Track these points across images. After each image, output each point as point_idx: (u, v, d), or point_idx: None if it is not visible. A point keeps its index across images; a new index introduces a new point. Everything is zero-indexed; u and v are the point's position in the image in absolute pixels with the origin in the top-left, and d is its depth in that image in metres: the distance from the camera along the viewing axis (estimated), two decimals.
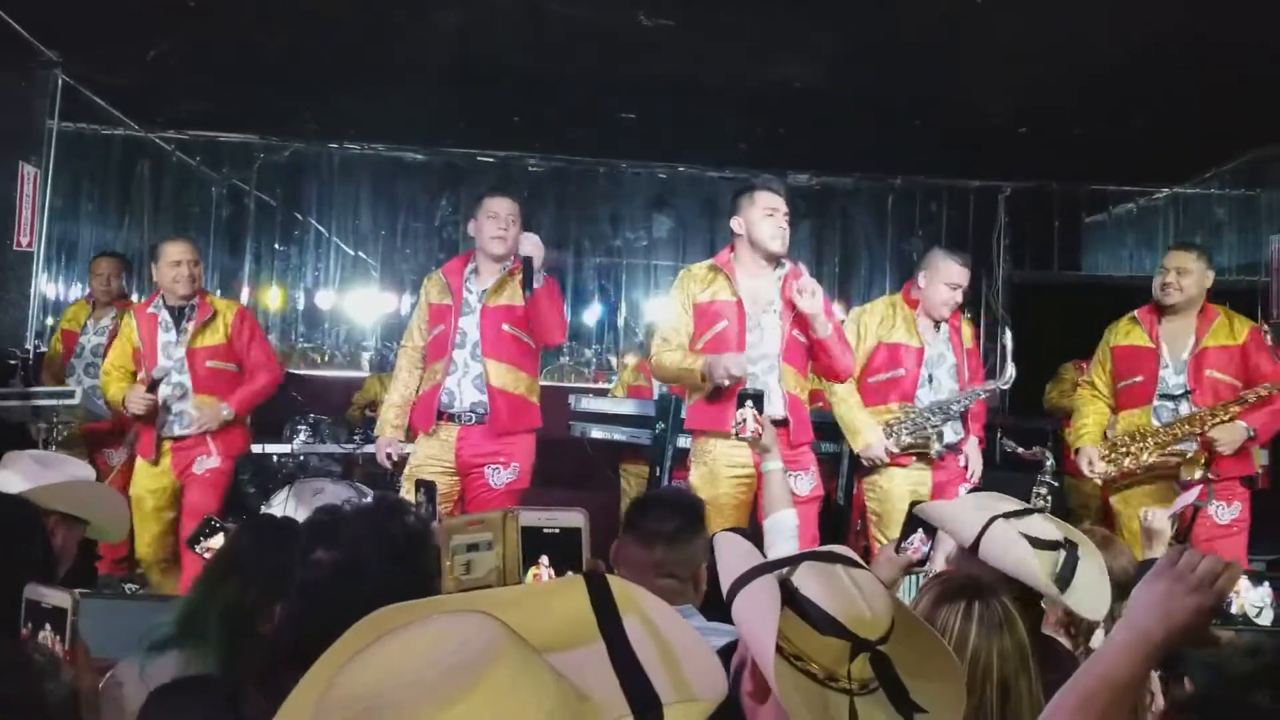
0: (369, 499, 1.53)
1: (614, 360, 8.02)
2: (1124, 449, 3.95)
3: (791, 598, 1.25)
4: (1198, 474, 3.84)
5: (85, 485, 2.13)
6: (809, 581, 1.27)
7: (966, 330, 4.22)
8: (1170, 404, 3.92)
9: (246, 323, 4.39)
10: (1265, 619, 1.65)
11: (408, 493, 3.39)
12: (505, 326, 3.72)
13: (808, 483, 3.53)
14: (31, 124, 5.52)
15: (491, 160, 7.33)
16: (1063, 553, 1.89)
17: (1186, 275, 3.95)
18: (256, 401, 4.39)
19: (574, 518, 1.62)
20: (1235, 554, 3.73)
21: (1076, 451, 4.08)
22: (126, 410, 4.15)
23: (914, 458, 3.98)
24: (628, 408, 5.25)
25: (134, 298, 5.66)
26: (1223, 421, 3.83)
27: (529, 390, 3.79)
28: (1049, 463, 3.99)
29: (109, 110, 6.48)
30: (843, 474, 4.33)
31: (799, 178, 7.19)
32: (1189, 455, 3.88)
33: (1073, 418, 4.20)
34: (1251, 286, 6.31)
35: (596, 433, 5.21)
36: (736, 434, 2.95)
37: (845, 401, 3.96)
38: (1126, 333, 4.08)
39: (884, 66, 5.32)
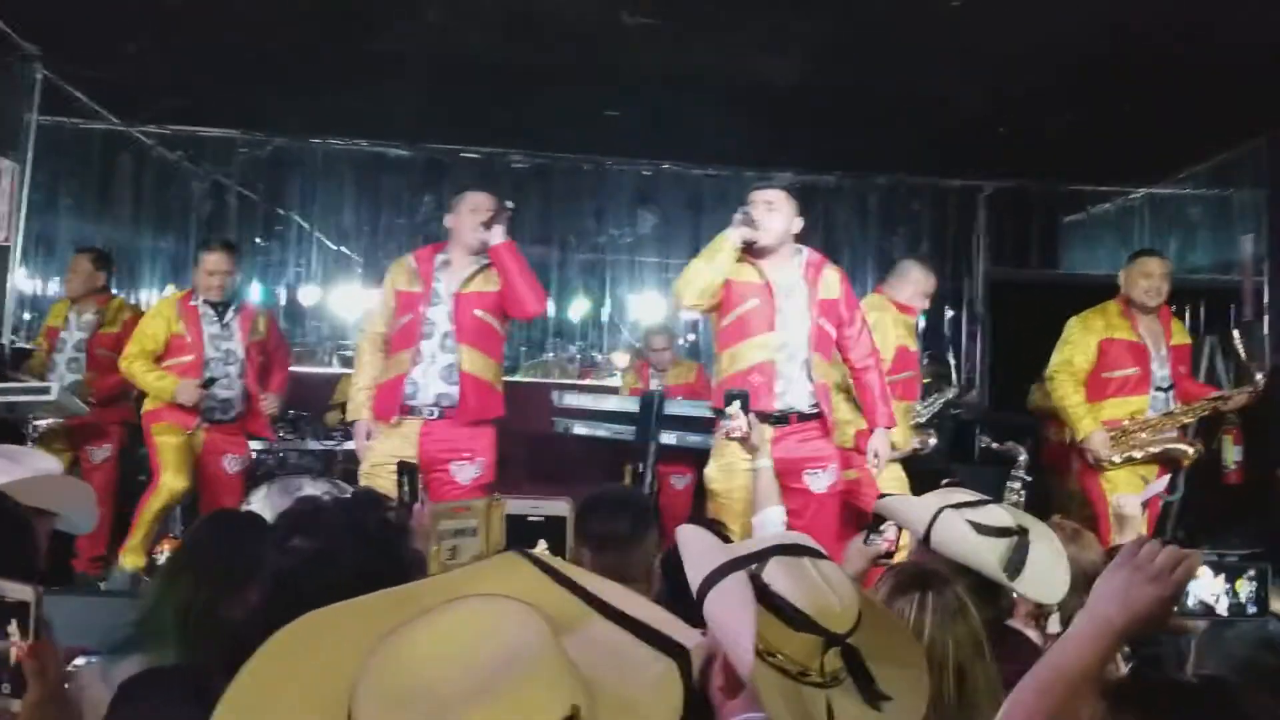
0: (349, 494, 1.54)
1: (597, 356, 8.02)
2: (1131, 437, 4.14)
3: (764, 594, 1.27)
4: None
5: (53, 479, 2.11)
6: (779, 577, 1.29)
7: None
8: (1163, 395, 4.23)
9: (273, 321, 5.08)
10: (1221, 607, 1.69)
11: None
12: (478, 312, 3.69)
13: (826, 479, 3.49)
14: (11, 118, 5.49)
15: (475, 156, 7.30)
16: (1014, 540, 1.92)
17: (1166, 280, 4.28)
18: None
19: (559, 507, 1.63)
20: None
21: (1083, 441, 4.14)
22: (175, 399, 4.40)
23: None
24: (610, 404, 5.27)
25: (114, 292, 5.61)
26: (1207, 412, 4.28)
27: (495, 378, 3.76)
28: (1022, 457, 4.05)
29: (89, 104, 6.43)
30: None
31: (782, 175, 7.20)
32: (1183, 447, 4.22)
33: (1063, 404, 4.25)
34: (1225, 285, 6.37)
35: (579, 429, 5.22)
36: (727, 434, 2.96)
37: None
38: (1115, 326, 4.26)
39: (866, 65, 5.35)
